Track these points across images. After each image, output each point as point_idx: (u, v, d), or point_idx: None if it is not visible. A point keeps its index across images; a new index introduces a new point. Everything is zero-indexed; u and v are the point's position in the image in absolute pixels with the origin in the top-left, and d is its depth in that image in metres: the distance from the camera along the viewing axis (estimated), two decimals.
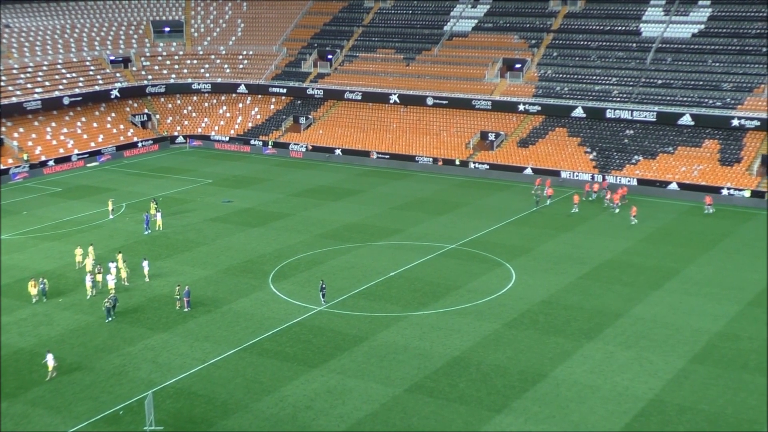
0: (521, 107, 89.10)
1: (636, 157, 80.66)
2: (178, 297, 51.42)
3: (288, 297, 52.66)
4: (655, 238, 63.57)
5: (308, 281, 54.72)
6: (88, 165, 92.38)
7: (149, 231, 66.46)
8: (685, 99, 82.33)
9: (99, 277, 54.57)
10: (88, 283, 53.69)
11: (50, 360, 42.65)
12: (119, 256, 57.31)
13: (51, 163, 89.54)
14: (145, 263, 56.54)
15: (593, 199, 73.97)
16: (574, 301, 51.12)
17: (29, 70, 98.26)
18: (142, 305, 51.94)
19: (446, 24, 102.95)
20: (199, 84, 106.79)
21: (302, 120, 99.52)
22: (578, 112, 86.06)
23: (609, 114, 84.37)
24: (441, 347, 45.07)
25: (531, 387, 40.55)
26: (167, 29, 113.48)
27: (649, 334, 46.16)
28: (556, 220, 68.36)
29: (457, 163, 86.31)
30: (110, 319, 49.48)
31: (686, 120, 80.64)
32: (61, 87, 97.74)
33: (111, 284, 53.62)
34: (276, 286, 54.66)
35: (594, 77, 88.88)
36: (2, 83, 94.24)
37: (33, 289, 52.46)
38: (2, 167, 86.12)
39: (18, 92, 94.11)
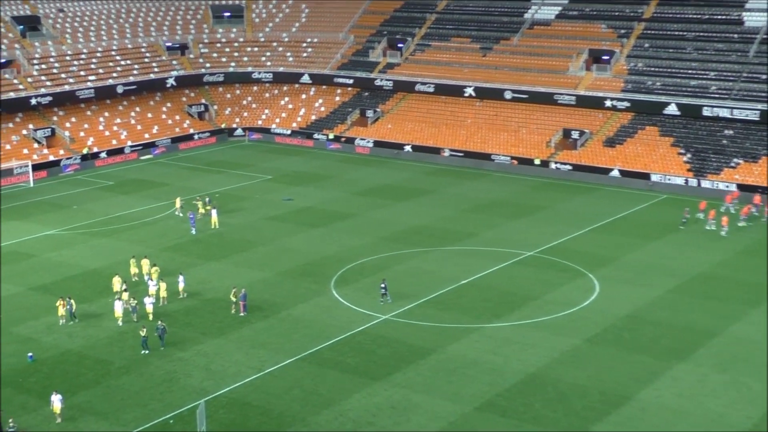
0: (608, 103, 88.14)
1: (736, 159, 79.11)
2: (234, 300, 52.03)
3: (351, 304, 52.95)
4: (755, 249, 62.25)
5: (373, 287, 54.90)
6: (142, 158, 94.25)
7: (195, 231, 67.14)
8: None
9: (126, 296, 51.39)
10: (118, 309, 50.37)
11: (57, 402, 39.61)
12: (144, 262, 55.85)
13: (103, 155, 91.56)
14: (181, 278, 54.57)
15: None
16: (662, 317, 50.38)
17: (83, 56, 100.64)
18: (195, 308, 52.72)
19: (527, 11, 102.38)
20: (259, 73, 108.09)
21: (369, 113, 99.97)
22: (671, 110, 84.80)
23: (706, 112, 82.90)
24: (515, 363, 44.84)
25: (613, 410, 40.07)
26: (227, 14, 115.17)
27: (747, 357, 45.23)
28: (644, 228, 67.40)
29: (537, 162, 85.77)
30: (147, 351, 46.29)
31: None
32: (114, 75, 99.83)
33: (149, 307, 50.66)
34: (338, 291, 55.00)
35: (690, 71, 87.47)
36: (55, 70, 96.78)
37: (61, 309, 50.30)
38: (53, 158, 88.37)
39: (71, 80, 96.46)
